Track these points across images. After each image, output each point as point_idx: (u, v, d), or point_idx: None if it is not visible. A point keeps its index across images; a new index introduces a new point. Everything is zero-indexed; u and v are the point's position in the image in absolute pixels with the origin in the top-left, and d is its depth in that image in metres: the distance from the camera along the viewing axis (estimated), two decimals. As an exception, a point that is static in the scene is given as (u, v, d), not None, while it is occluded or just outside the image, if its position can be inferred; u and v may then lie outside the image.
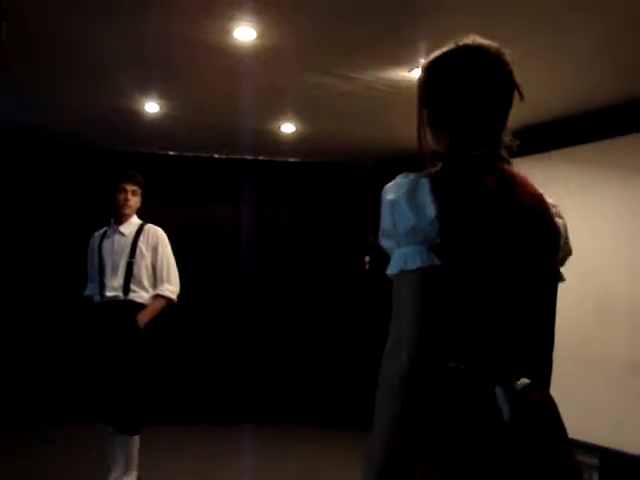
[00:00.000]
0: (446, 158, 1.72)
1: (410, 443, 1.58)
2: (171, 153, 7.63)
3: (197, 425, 7.10)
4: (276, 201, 7.84)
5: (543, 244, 1.71)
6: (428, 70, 1.77)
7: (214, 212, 7.80)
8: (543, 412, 1.68)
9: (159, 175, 7.28)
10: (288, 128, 6.44)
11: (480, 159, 1.69)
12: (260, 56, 4.47)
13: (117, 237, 4.83)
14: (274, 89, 5.21)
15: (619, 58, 4.34)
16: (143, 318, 4.67)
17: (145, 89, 5.37)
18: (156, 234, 4.87)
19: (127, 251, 4.77)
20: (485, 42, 1.73)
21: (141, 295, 4.73)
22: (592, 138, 5.32)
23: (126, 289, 4.70)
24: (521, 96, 1.75)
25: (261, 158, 7.76)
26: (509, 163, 1.75)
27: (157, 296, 4.79)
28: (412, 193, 1.59)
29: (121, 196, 4.81)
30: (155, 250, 4.81)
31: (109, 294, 4.70)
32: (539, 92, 5.05)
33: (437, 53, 1.76)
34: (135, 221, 4.90)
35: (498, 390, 1.58)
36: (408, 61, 4.48)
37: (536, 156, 5.76)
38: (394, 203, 1.61)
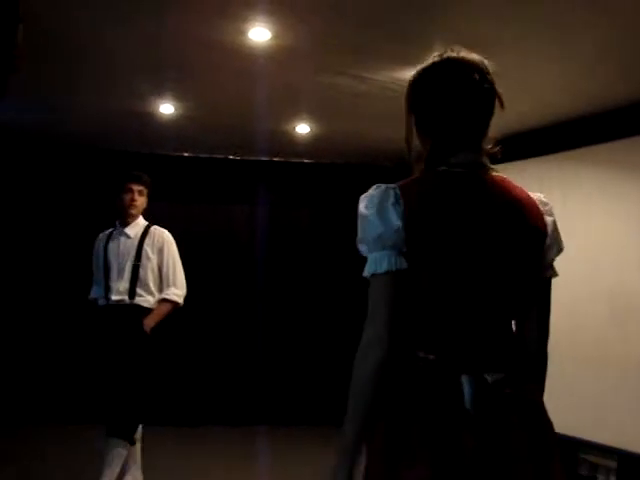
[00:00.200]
0: (428, 162, 1.85)
1: (374, 429, 1.75)
2: (186, 154, 7.64)
3: (211, 427, 7.09)
4: (291, 202, 7.83)
5: (519, 246, 1.80)
6: (414, 80, 1.91)
7: (229, 213, 7.80)
8: (516, 407, 1.73)
9: (174, 177, 7.31)
10: (303, 129, 6.43)
11: (459, 167, 1.81)
12: (275, 57, 4.46)
13: (122, 239, 4.73)
14: (289, 90, 5.20)
15: (625, 59, 4.33)
16: (149, 323, 4.55)
17: (160, 90, 5.37)
18: (162, 236, 4.76)
19: (133, 254, 4.66)
20: (468, 55, 1.85)
21: (147, 299, 4.62)
22: (605, 139, 5.31)
23: (132, 293, 4.60)
24: (502, 105, 1.87)
25: (276, 159, 7.76)
26: (489, 170, 1.85)
27: (163, 300, 4.67)
28: (381, 204, 1.75)
29: (127, 196, 4.71)
30: (161, 252, 4.70)
31: (115, 297, 4.59)
32: (548, 93, 5.05)
33: (423, 64, 1.90)
34: (141, 222, 4.80)
35: (464, 379, 1.70)
36: (423, 61, 4.44)
37: (550, 157, 5.76)
38: (364, 213, 1.78)
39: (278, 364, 7.52)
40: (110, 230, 4.83)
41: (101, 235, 4.87)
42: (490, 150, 1.88)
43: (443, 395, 1.70)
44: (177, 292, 4.70)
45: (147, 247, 4.68)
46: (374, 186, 1.82)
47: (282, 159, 7.75)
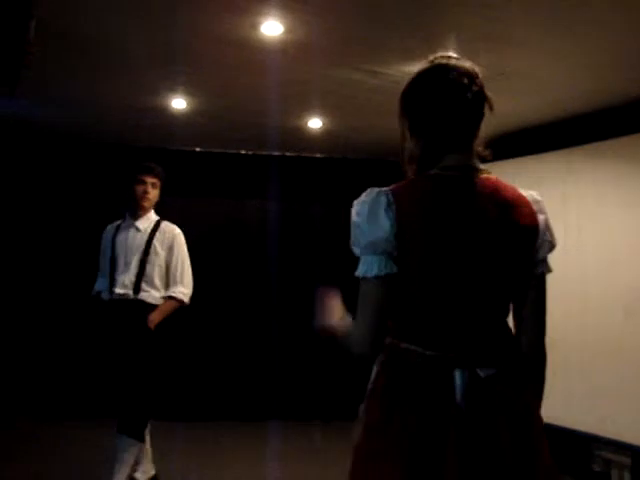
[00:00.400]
0: (420, 164, 1.93)
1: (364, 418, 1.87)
2: (198, 149, 7.63)
3: (223, 422, 7.08)
4: (303, 197, 7.82)
5: (511, 244, 1.87)
6: (408, 85, 1.99)
7: (241, 208, 7.79)
8: (504, 406, 1.79)
9: (186, 172, 7.30)
10: (315, 123, 6.41)
11: (451, 169, 1.88)
12: (287, 51, 4.45)
13: (132, 232, 4.65)
14: (301, 84, 5.18)
15: (636, 56, 4.33)
16: (154, 319, 4.47)
17: (172, 85, 5.37)
18: (172, 232, 4.68)
19: (141, 248, 4.58)
20: (457, 61, 1.94)
21: (152, 295, 4.55)
22: (619, 133, 5.29)
23: (137, 288, 4.52)
24: (491, 108, 1.94)
25: (288, 154, 7.74)
26: (480, 171, 1.92)
27: (169, 298, 4.60)
28: (372, 211, 1.84)
29: (140, 188, 4.63)
30: (170, 249, 4.63)
31: (119, 291, 4.52)
32: (559, 89, 5.03)
33: (416, 70, 1.99)
34: (152, 217, 4.73)
35: (457, 373, 1.78)
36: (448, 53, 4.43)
37: (565, 151, 5.74)
38: (356, 221, 1.89)
39: (290, 359, 7.51)
40: (118, 222, 4.76)
41: (109, 227, 4.80)
42: (481, 152, 1.95)
43: (435, 388, 1.77)
44: (184, 291, 4.64)
45: (157, 242, 4.61)
46: (367, 191, 1.90)
47: (294, 154, 7.74)
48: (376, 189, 1.88)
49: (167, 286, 4.63)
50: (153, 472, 4.68)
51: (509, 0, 3.62)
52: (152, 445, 4.69)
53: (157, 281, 4.58)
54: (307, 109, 5.99)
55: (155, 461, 4.72)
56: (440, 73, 1.92)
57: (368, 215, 1.85)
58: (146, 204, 4.67)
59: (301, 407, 7.43)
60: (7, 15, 3.00)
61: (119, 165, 6.79)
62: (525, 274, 1.92)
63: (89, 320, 5.09)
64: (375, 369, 1.92)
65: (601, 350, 5.22)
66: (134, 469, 4.48)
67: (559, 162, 5.79)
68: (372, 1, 3.74)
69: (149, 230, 4.65)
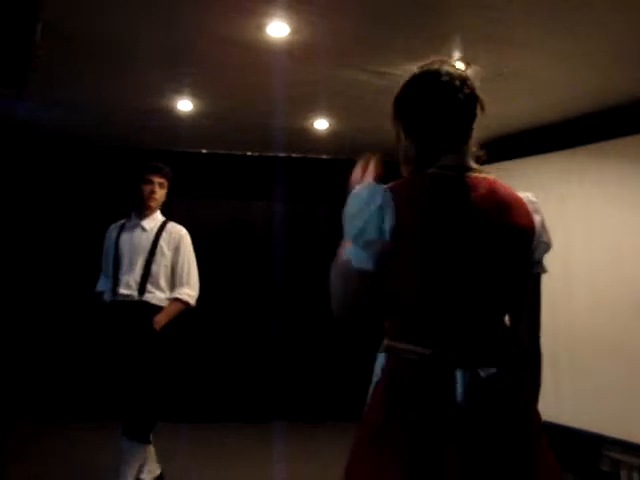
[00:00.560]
0: (416, 165, 1.97)
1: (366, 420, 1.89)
2: (204, 151, 7.64)
3: (228, 423, 7.09)
4: (309, 198, 7.82)
5: (508, 244, 1.90)
6: (401, 88, 2.06)
7: (247, 210, 7.79)
8: (504, 404, 1.82)
9: (192, 173, 7.31)
10: (321, 124, 6.41)
11: (447, 169, 1.92)
12: (293, 52, 4.45)
13: (138, 231, 4.59)
14: (307, 85, 5.18)
15: (635, 58, 4.33)
16: (159, 321, 4.41)
17: (178, 87, 5.37)
18: (179, 233, 4.64)
19: (147, 248, 4.52)
20: (448, 66, 2.01)
21: (157, 296, 4.49)
22: (625, 132, 5.29)
23: (142, 289, 4.46)
24: (482, 109, 2.00)
25: (294, 155, 7.74)
26: (476, 171, 1.95)
27: (175, 300, 4.54)
28: (367, 204, 1.87)
29: (147, 188, 4.58)
30: (177, 250, 4.58)
31: (124, 292, 4.45)
32: (562, 90, 5.03)
33: (409, 75, 2.05)
34: (159, 217, 4.68)
35: (458, 373, 1.79)
36: (441, 57, 4.43)
37: (569, 151, 5.74)
38: (348, 211, 1.92)
39: (295, 360, 7.52)
40: (123, 221, 4.71)
41: (112, 226, 4.75)
42: (476, 152, 2.00)
43: (436, 388, 1.79)
44: (190, 293, 4.59)
45: (163, 243, 4.56)
46: (365, 184, 1.95)
47: (300, 155, 7.74)
48: (374, 184, 1.93)
49: (172, 287, 4.58)
50: (159, 472, 4.64)
51: (511, 2, 3.61)
52: (157, 446, 4.67)
53: (162, 282, 4.53)
54: (313, 110, 5.99)
55: (159, 462, 4.71)
56: (432, 76, 1.98)
57: (362, 206, 1.88)
58: (153, 204, 4.62)
59: (306, 408, 7.44)
60: (13, 18, 3.00)
61: (125, 167, 6.78)
62: (521, 274, 1.95)
63: (92, 321, 4.97)
64: (375, 370, 1.94)
65: (609, 349, 5.21)
66: (140, 470, 4.45)
67: (563, 162, 5.79)
68: (377, 2, 3.74)
69: (155, 230, 4.60)
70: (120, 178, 6.95)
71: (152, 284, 4.48)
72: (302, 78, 4.98)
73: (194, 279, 4.64)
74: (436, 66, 2.01)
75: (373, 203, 1.85)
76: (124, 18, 4.01)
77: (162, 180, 4.63)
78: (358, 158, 2.15)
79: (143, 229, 4.60)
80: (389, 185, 1.91)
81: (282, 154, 7.71)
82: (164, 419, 4.72)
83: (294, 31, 4.13)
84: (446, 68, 2.00)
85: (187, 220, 4.90)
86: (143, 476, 4.50)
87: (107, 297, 4.58)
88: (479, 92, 2.00)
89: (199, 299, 4.71)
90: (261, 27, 4.08)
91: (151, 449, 4.59)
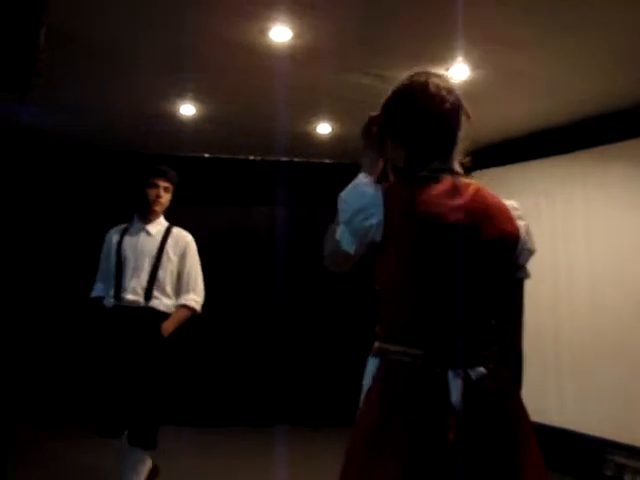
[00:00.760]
0: (405, 170, 2.05)
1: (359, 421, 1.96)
2: (206, 155, 7.65)
3: (231, 427, 7.08)
4: (312, 203, 7.81)
5: (495, 249, 1.96)
6: (388, 99, 2.15)
7: (250, 214, 7.80)
8: (495, 403, 1.87)
9: (195, 178, 7.30)
10: (324, 129, 6.41)
11: (435, 173, 1.99)
12: (296, 56, 4.46)
13: (143, 236, 4.47)
14: (310, 90, 5.19)
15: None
16: (167, 328, 4.33)
17: (180, 91, 5.38)
18: (185, 239, 4.55)
19: (153, 253, 4.41)
20: (435, 77, 2.07)
21: (163, 303, 4.38)
22: (628, 136, 5.30)
23: (148, 295, 4.34)
24: (468, 117, 2.06)
25: (297, 160, 7.75)
26: (462, 177, 2.03)
27: (182, 306, 4.44)
28: (359, 197, 1.98)
29: (152, 192, 4.46)
30: (183, 256, 4.49)
31: (130, 297, 4.32)
32: (571, 91, 5.03)
33: (396, 86, 2.15)
34: (163, 222, 4.58)
35: (450, 375, 1.84)
36: (445, 60, 4.44)
37: (568, 155, 5.75)
38: (344, 197, 2.04)
39: (298, 365, 7.51)
40: (124, 225, 4.60)
41: (113, 229, 4.63)
42: (461, 160, 2.06)
43: (431, 389, 1.84)
44: (197, 299, 4.51)
45: (169, 248, 4.47)
46: (362, 179, 2.05)
47: (303, 159, 7.75)
48: (371, 181, 2.03)
49: (178, 294, 4.50)
50: (151, 463, 4.51)
51: (517, 2, 3.62)
52: (159, 449, 4.63)
53: (168, 288, 4.43)
54: (316, 114, 6.00)
55: (162, 465, 4.67)
56: (419, 87, 2.06)
57: (357, 198, 1.99)
58: (158, 208, 4.52)
59: (308, 412, 7.42)
60: (17, 22, 3.01)
61: (128, 172, 6.78)
62: (506, 278, 2.02)
63: (92, 326, 4.86)
64: (367, 373, 2.02)
65: (612, 351, 5.20)
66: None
67: (566, 166, 5.79)
68: (380, 5, 3.74)
69: (161, 235, 4.51)
70: (123, 183, 6.94)
71: (158, 290, 4.39)
72: (305, 82, 4.98)
73: (200, 285, 4.56)
74: (423, 78, 2.07)
75: (366, 199, 1.95)
76: (127, 23, 4.02)
77: (167, 184, 4.53)
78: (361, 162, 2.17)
79: (148, 233, 4.50)
80: (382, 185, 2.00)
81: (285, 158, 7.71)
82: (168, 423, 4.69)
83: (297, 35, 4.14)
84: (433, 79, 2.06)
85: (189, 224, 4.86)
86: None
87: (108, 302, 4.44)
88: (465, 101, 2.07)
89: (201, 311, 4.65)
90: (264, 31, 4.09)
91: (144, 472, 4.42)
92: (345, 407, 7.18)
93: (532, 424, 1.96)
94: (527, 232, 2.05)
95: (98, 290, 4.57)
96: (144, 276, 4.37)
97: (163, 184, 4.50)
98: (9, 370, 6.84)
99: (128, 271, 4.39)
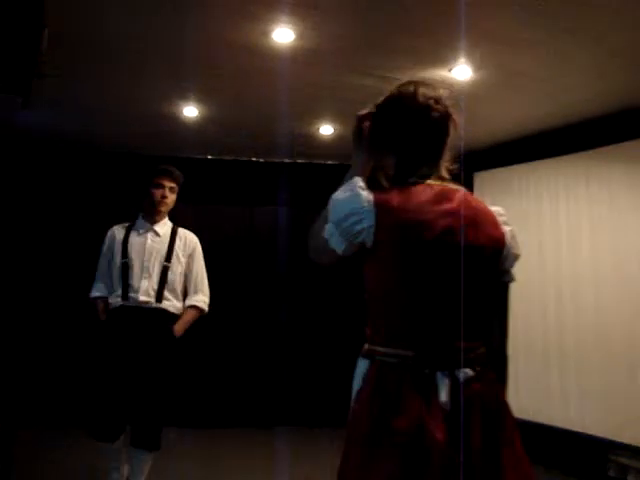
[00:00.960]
0: (395, 176, 2.09)
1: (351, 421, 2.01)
2: (209, 157, 7.65)
3: (231, 429, 7.07)
4: (315, 204, 7.78)
5: (482, 253, 2.02)
6: (380, 107, 2.16)
7: (253, 215, 7.80)
8: (481, 403, 1.91)
9: (198, 179, 7.31)
10: (327, 130, 6.41)
11: (424, 179, 2.04)
12: (298, 58, 4.46)
13: (150, 236, 4.44)
14: (312, 91, 5.19)
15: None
16: (179, 329, 4.34)
17: (183, 93, 5.38)
18: (193, 240, 4.55)
19: (163, 254, 4.39)
20: (424, 88, 2.09)
21: (174, 304, 4.38)
22: (631, 136, 5.31)
23: (159, 296, 4.31)
24: (455, 126, 2.10)
25: (299, 161, 7.75)
26: (450, 183, 2.07)
27: (192, 307, 4.44)
28: (351, 200, 2.01)
29: (158, 192, 4.42)
30: (191, 258, 4.49)
31: (140, 298, 4.28)
32: (569, 93, 5.03)
33: (384, 96, 2.16)
34: (168, 222, 4.56)
35: (439, 376, 1.89)
36: (447, 61, 4.44)
37: (571, 155, 5.75)
38: (336, 197, 2.09)
39: (299, 366, 7.51)
40: (126, 224, 4.55)
41: (116, 228, 4.56)
42: (449, 167, 2.11)
43: (420, 390, 1.88)
44: (205, 299, 4.51)
45: (178, 249, 4.45)
46: (352, 182, 2.07)
47: (306, 161, 7.75)
48: (364, 186, 2.03)
49: (185, 294, 4.49)
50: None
51: (519, 4, 3.61)
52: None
53: (178, 290, 4.42)
54: (318, 115, 6.00)
55: (162, 466, 4.66)
56: (407, 97, 2.09)
57: (348, 201, 2.02)
58: (163, 209, 4.49)
59: (308, 414, 7.42)
60: (20, 25, 3.01)
61: (131, 173, 6.78)
62: (492, 282, 2.09)
63: (94, 327, 4.77)
64: (357, 375, 2.07)
65: (616, 352, 5.20)
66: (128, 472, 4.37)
67: (571, 166, 5.79)
68: (382, 7, 3.74)
69: (168, 235, 4.48)
70: (126, 184, 6.96)
71: (169, 291, 4.37)
72: (307, 83, 4.99)
73: (206, 286, 4.56)
74: (412, 88, 2.10)
75: (358, 202, 1.98)
76: (129, 24, 4.03)
77: (173, 184, 4.49)
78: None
79: (156, 234, 4.46)
80: (374, 190, 2.02)
81: (287, 160, 7.72)
82: (168, 424, 4.69)
83: (299, 37, 4.14)
84: (421, 89, 2.09)
85: (192, 226, 4.85)
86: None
87: (115, 302, 4.37)
88: (452, 111, 2.10)
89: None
90: (266, 33, 4.09)
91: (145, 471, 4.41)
92: (345, 408, 7.20)
93: (516, 422, 2.00)
94: (512, 237, 2.11)
95: (100, 289, 4.50)
96: (155, 278, 4.34)
97: (169, 184, 4.47)
98: (9, 371, 6.85)
99: (136, 271, 4.35)
